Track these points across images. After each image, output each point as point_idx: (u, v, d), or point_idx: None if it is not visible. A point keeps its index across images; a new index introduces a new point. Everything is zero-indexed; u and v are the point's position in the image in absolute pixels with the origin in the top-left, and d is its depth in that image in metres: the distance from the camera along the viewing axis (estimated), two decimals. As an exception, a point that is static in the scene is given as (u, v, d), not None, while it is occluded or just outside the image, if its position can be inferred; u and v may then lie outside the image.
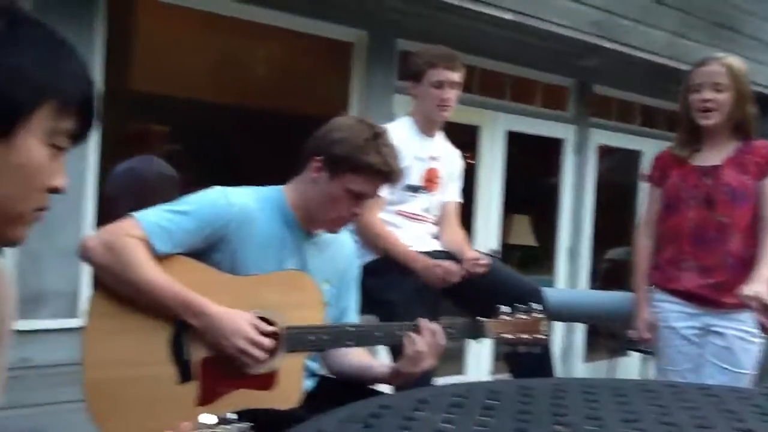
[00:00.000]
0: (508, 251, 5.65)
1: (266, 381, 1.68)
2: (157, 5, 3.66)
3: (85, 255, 1.62)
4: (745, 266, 2.36)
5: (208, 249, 1.72)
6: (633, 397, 1.37)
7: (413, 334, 1.75)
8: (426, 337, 1.75)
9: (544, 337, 1.90)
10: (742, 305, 2.33)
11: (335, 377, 1.94)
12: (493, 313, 1.88)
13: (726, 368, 2.41)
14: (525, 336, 1.88)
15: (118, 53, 3.80)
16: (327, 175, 1.76)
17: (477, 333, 1.86)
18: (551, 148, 5.48)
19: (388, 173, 1.76)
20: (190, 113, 4.95)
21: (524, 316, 1.88)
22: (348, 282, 1.96)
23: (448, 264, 2.37)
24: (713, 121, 2.41)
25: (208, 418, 1.28)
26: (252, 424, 1.29)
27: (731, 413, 1.28)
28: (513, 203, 5.34)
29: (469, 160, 5.01)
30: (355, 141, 1.74)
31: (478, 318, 1.88)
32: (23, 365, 2.85)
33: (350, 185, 1.75)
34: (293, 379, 1.70)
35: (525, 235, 5.93)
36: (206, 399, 1.62)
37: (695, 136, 2.50)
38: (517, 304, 1.91)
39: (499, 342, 1.88)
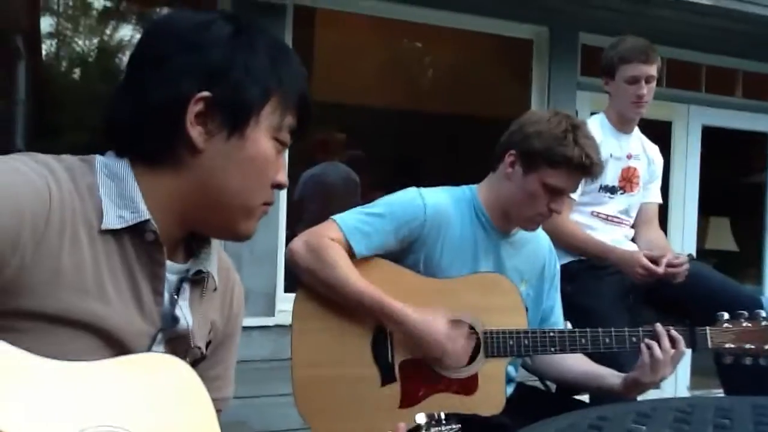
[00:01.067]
0: (706, 257, 5.22)
1: (467, 385, 1.65)
2: (335, 15, 3.78)
3: (291, 258, 1.68)
4: None
5: (404, 251, 1.72)
6: None
7: (651, 341, 1.66)
8: (664, 343, 1.65)
9: None
10: None
11: (547, 383, 1.89)
12: (712, 321, 1.72)
13: None
14: (750, 346, 1.69)
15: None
16: (522, 171, 1.71)
17: (696, 342, 1.70)
18: (753, 142, 4.99)
19: (588, 166, 1.68)
20: (368, 119, 5.08)
21: (749, 324, 1.70)
22: (547, 280, 1.90)
23: (648, 258, 2.20)
24: None
25: (422, 417, 1.28)
26: (460, 426, 1.27)
27: None
28: (711, 204, 4.93)
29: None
30: (552, 133, 1.67)
31: (698, 327, 1.73)
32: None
33: (548, 180, 1.68)
34: (495, 385, 1.67)
35: (724, 240, 5.46)
36: (408, 401, 1.62)
37: None
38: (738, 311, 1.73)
39: (721, 353, 1.71)
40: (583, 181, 1.88)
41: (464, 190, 1.82)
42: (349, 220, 1.69)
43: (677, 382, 4.50)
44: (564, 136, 1.67)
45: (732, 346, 1.70)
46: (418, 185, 1.83)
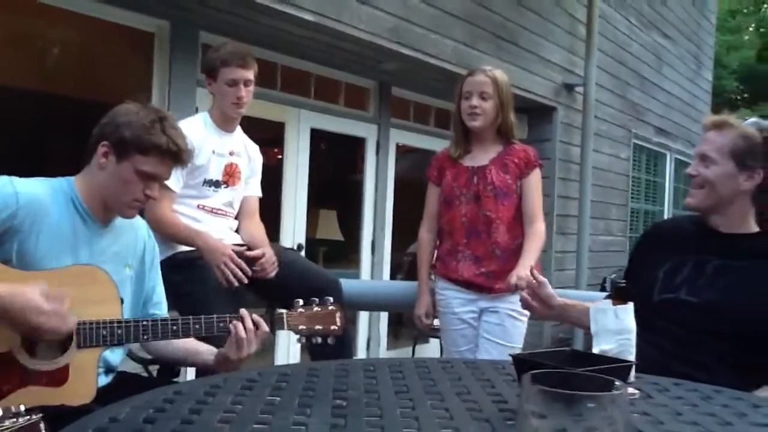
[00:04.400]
0: (316, 245, 5.80)
1: (57, 377, 1.65)
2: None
3: None
4: (512, 255, 2.69)
5: None
6: (408, 373, 1.54)
7: (237, 322, 1.85)
8: (248, 324, 1.86)
9: (336, 327, 2.03)
10: (511, 289, 2.66)
11: (150, 368, 1.96)
12: (289, 306, 1.99)
13: (499, 343, 2.72)
14: (319, 327, 2.00)
15: None
16: (115, 159, 1.79)
17: (274, 324, 1.96)
18: (355, 146, 5.71)
19: (176, 152, 1.82)
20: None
21: (318, 309, 2.00)
22: (148, 262, 2.00)
23: (236, 262, 2.44)
24: (479, 124, 2.73)
25: None
26: (42, 415, 1.29)
27: (487, 381, 1.49)
28: (320, 199, 5.49)
29: (277, 156, 5.09)
30: (141, 123, 1.78)
31: (277, 310, 1.98)
32: None
33: (140, 166, 1.78)
34: (86, 375, 1.69)
35: (332, 230, 6.11)
36: None
37: (466, 139, 2.80)
38: (313, 297, 2.03)
39: (295, 333, 1.99)
40: (179, 169, 2.02)
41: (61, 182, 1.82)
42: None
43: (289, 359, 4.94)
44: (152, 125, 1.78)
45: (304, 327, 1.98)
46: (36, 172, 1.79)
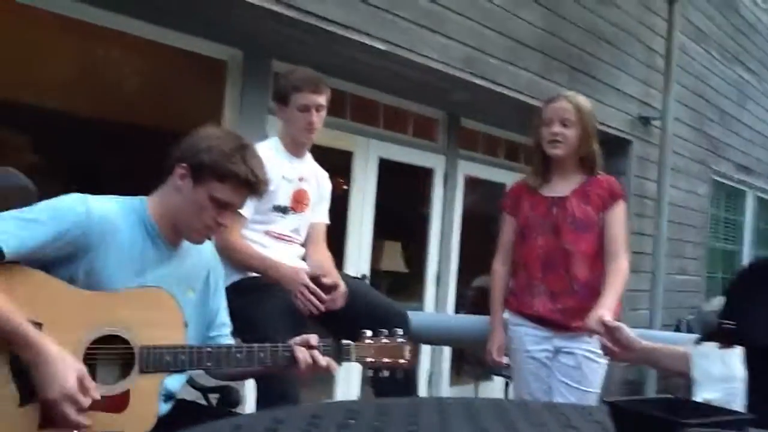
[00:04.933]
0: (380, 277, 5.71)
1: (117, 402, 1.59)
2: (15, 6, 3.44)
3: None
4: (592, 291, 2.52)
5: (60, 260, 1.62)
6: (485, 414, 1.42)
7: (302, 349, 1.80)
8: (314, 355, 1.81)
9: (406, 361, 1.93)
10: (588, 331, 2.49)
11: (209, 397, 1.92)
12: (357, 337, 1.90)
13: (575, 387, 2.55)
14: (387, 360, 1.90)
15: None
16: (191, 183, 1.74)
17: (341, 355, 1.86)
18: (422, 176, 5.63)
19: (253, 183, 1.76)
20: (54, 125, 4.67)
21: (387, 341, 1.91)
22: (212, 284, 1.94)
23: (314, 291, 2.34)
24: (560, 152, 2.59)
25: None
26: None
27: (575, 429, 1.35)
28: (385, 230, 5.42)
29: (343, 186, 5.06)
30: (221, 149, 1.73)
31: (343, 341, 1.89)
32: None
33: (215, 193, 1.73)
34: (147, 402, 1.63)
35: (396, 262, 6.02)
36: (50, 422, 1.51)
37: (546, 168, 2.66)
38: (381, 328, 1.94)
39: (362, 365, 1.91)
40: (254, 200, 1.96)
41: (134, 201, 1.79)
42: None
43: (349, 392, 4.84)
44: (232, 153, 1.73)
45: (372, 360, 1.89)
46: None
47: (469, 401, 1.53)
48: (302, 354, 1.79)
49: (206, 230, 1.79)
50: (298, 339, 1.83)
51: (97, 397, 1.54)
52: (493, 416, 1.41)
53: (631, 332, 1.95)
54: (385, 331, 1.92)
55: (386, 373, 1.93)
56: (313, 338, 1.84)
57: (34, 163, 4.36)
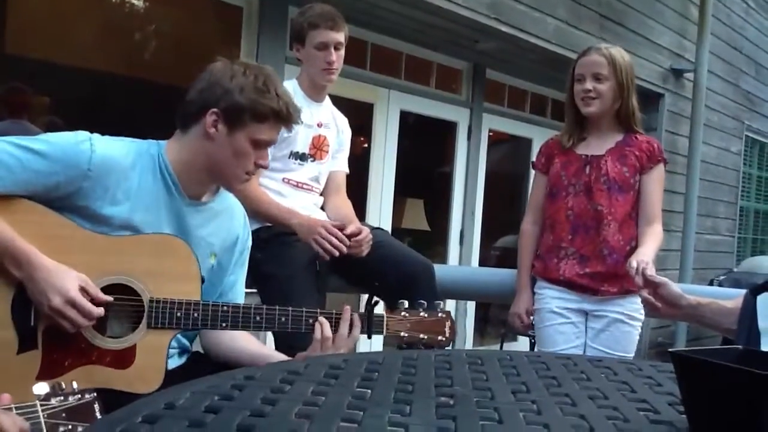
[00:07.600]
0: (401, 235, 5.58)
1: (122, 358, 1.47)
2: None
3: None
4: (623, 258, 2.35)
5: (59, 199, 1.48)
6: (523, 368, 1.28)
7: (324, 320, 1.63)
8: (342, 328, 1.65)
9: (444, 339, 1.74)
10: (621, 292, 2.34)
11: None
12: (392, 307, 1.74)
13: (607, 352, 2.40)
14: (424, 336, 1.72)
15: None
16: (226, 129, 1.58)
17: (371, 328, 1.70)
18: (445, 130, 5.45)
19: (289, 117, 1.63)
20: (72, 82, 4.55)
21: (425, 314, 1.73)
22: (237, 254, 1.78)
23: (333, 232, 2.19)
24: (594, 109, 2.40)
25: (41, 388, 1.10)
26: (95, 394, 1.12)
27: (623, 384, 1.21)
28: (407, 186, 5.27)
29: (363, 144, 4.89)
30: (253, 86, 1.58)
31: (377, 312, 1.73)
32: None
33: (256, 135, 1.60)
34: (155, 360, 1.50)
35: (418, 220, 5.88)
36: (49, 373, 1.41)
37: (581, 126, 2.48)
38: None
39: (395, 340, 1.72)
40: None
41: (150, 144, 1.62)
42: None
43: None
44: (264, 88, 1.59)
45: (407, 334, 1.71)
46: None
47: (507, 355, 1.39)
48: (323, 324, 1.64)
49: (246, 176, 1.66)
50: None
51: (107, 299, 1.44)
52: (532, 370, 1.27)
53: (676, 287, 1.80)
54: (424, 303, 1.75)
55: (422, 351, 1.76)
56: (347, 309, 1.68)
57: (52, 122, 4.25)
